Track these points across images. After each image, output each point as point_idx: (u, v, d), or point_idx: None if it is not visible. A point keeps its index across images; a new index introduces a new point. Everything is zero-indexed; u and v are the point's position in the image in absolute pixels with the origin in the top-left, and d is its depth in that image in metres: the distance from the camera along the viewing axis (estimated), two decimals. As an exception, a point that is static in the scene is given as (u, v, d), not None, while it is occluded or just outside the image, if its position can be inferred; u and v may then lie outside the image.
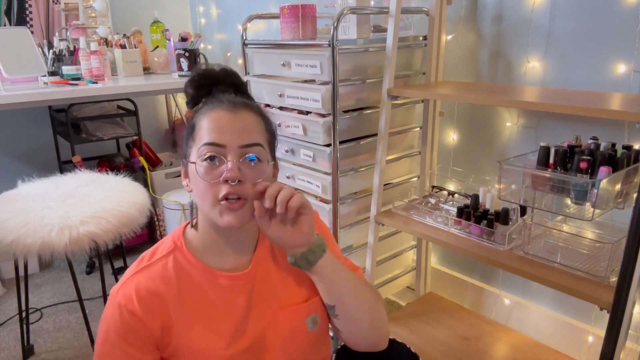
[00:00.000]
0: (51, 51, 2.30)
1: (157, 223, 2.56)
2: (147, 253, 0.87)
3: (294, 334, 0.89)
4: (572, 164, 1.14)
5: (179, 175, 2.69)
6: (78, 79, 2.24)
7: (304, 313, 0.90)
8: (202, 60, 2.58)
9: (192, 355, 0.82)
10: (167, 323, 0.81)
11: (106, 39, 2.55)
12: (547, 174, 1.15)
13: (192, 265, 0.85)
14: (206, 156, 0.78)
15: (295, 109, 1.67)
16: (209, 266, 0.85)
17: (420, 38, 1.69)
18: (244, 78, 1.86)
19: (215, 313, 0.84)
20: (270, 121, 0.87)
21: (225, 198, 0.77)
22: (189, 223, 0.89)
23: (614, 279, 1.10)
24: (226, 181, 0.77)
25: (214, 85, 0.87)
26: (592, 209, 1.08)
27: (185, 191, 2.60)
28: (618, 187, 1.11)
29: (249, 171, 0.79)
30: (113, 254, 2.37)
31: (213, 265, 0.86)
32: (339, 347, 0.93)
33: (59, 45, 2.43)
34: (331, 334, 1.79)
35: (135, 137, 2.48)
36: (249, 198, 0.79)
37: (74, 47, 2.38)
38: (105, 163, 2.53)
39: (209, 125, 0.79)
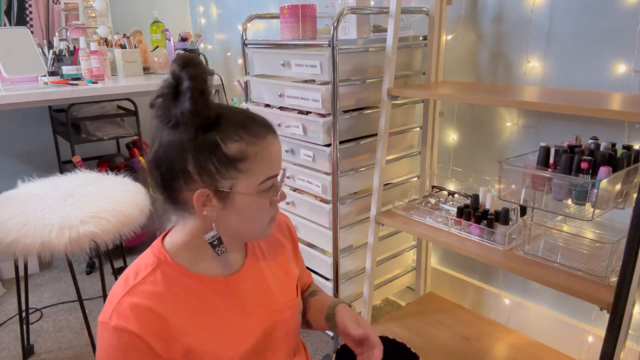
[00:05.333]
0: (51, 51, 2.30)
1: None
2: (129, 272, 0.81)
3: (295, 327, 0.94)
4: (572, 164, 1.14)
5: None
6: (78, 79, 2.24)
7: (298, 307, 0.95)
8: (202, 60, 2.58)
9: None
10: (168, 339, 0.78)
11: (106, 39, 2.56)
12: (547, 174, 1.15)
13: (182, 276, 0.82)
14: (272, 188, 0.80)
15: (295, 109, 1.67)
16: (199, 274, 0.83)
17: (420, 38, 1.69)
18: (244, 78, 1.86)
19: (216, 318, 0.83)
20: None
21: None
22: (165, 236, 0.86)
23: (614, 279, 1.10)
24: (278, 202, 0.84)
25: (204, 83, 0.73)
26: (592, 209, 1.08)
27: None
28: (618, 187, 1.11)
29: None
30: (113, 254, 2.37)
31: (204, 273, 0.83)
32: (338, 347, 0.93)
33: (59, 45, 2.43)
34: (331, 333, 1.79)
35: (135, 137, 2.48)
36: None
37: (74, 47, 2.38)
38: (105, 163, 2.53)
39: (271, 158, 0.79)
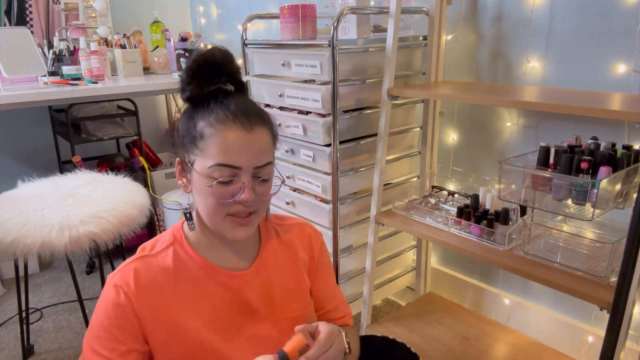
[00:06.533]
0: (51, 51, 2.30)
1: (157, 223, 2.56)
2: (147, 244, 0.87)
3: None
4: (572, 164, 1.14)
5: (179, 175, 2.69)
6: (78, 79, 2.24)
7: (300, 322, 0.90)
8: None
9: (185, 346, 0.82)
10: (158, 313, 0.81)
11: (106, 39, 2.55)
12: (547, 174, 1.15)
13: (192, 259, 0.85)
14: (220, 179, 0.77)
15: (295, 109, 1.67)
16: (209, 261, 0.86)
17: (420, 38, 1.69)
18: (244, 78, 1.86)
19: (212, 307, 0.85)
20: (275, 125, 0.86)
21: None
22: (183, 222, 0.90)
23: (614, 279, 1.10)
24: (240, 202, 0.78)
25: (214, 74, 0.81)
26: (592, 209, 1.08)
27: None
28: (618, 187, 1.11)
29: (261, 189, 0.81)
30: (113, 254, 2.37)
31: (212, 261, 0.86)
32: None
33: (59, 45, 2.42)
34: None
35: (135, 137, 2.48)
36: (257, 210, 0.82)
37: (74, 47, 2.38)
38: (105, 163, 2.53)
39: (224, 145, 0.76)
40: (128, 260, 0.85)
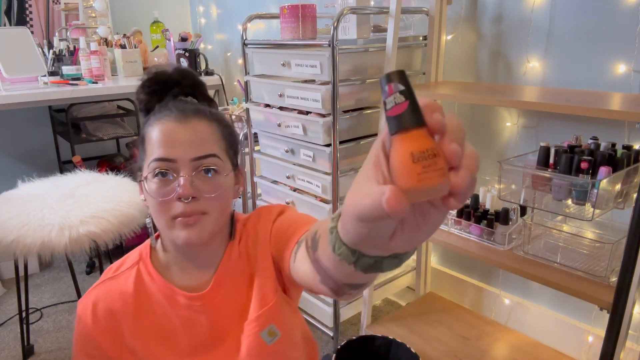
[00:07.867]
0: (51, 51, 2.30)
1: (157, 223, 2.56)
2: (115, 264, 0.85)
3: (251, 353, 0.80)
4: (572, 164, 1.14)
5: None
6: (78, 79, 2.24)
7: (255, 329, 0.80)
8: (202, 60, 2.59)
9: None
10: (119, 341, 0.80)
11: (106, 39, 2.56)
12: (547, 174, 1.15)
13: (153, 280, 0.82)
14: (156, 172, 0.73)
15: (295, 109, 1.67)
16: (169, 283, 0.82)
17: (420, 38, 1.70)
18: (244, 78, 1.86)
19: (173, 331, 0.81)
20: (228, 126, 0.81)
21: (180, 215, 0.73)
22: (158, 236, 0.85)
23: (614, 279, 1.10)
24: (179, 199, 0.72)
25: (167, 89, 0.81)
26: (592, 209, 1.08)
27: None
28: (618, 187, 1.11)
29: (205, 185, 0.74)
30: (113, 254, 2.37)
31: (173, 282, 0.82)
32: (338, 347, 0.93)
33: (59, 45, 2.43)
34: (331, 333, 1.79)
35: (135, 137, 2.48)
36: (207, 212, 0.74)
37: (74, 47, 2.38)
38: (105, 163, 2.53)
39: (157, 138, 0.73)
40: (94, 284, 0.83)
